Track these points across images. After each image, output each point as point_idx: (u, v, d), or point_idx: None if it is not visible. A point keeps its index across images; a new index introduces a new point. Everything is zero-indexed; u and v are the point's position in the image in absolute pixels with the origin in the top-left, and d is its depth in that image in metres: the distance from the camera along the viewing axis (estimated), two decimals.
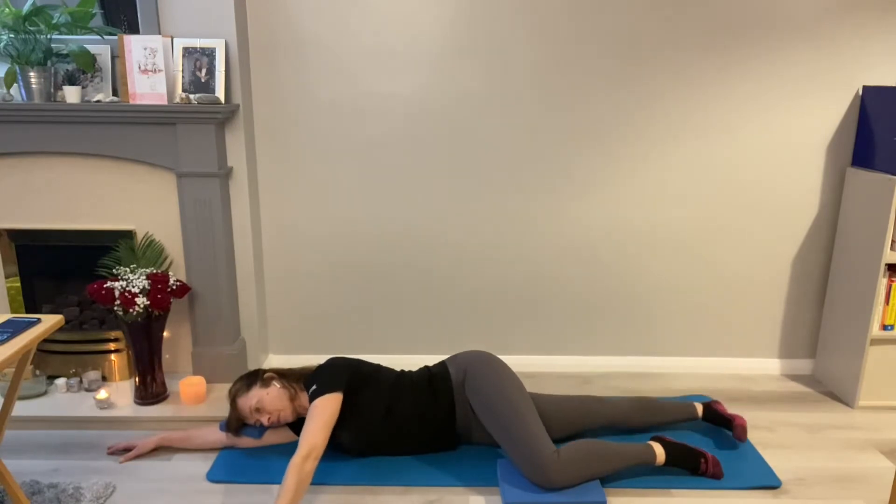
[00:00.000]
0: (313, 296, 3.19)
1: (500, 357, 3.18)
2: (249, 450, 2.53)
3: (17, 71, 2.64)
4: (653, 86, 2.93)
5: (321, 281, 3.17)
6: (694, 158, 3.01)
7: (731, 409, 2.88)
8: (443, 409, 2.43)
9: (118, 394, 2.85)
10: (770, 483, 2.34)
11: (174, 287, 2.74)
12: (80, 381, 2.89)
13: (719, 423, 2.60)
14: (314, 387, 2.35)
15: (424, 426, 2.43)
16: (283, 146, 3.01)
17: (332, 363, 2.46)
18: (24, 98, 2.68)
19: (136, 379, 2.77)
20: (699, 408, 2.65)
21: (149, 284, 2.65)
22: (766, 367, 3.25)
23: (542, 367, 3.26)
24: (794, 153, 3.00)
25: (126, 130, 2.74)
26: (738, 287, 3.16)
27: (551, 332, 3.23)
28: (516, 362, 3.24)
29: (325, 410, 2.27)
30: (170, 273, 2.83)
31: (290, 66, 2.92)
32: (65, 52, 2.71)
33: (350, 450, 2.48)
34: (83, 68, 2.70)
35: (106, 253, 2.83)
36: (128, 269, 2.73)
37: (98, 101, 2.69)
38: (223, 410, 2.70)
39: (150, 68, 2.67)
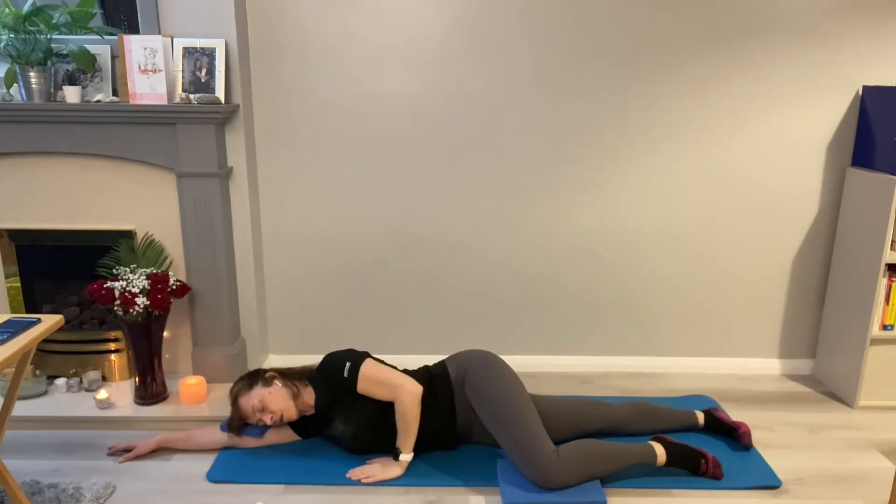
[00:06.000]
0: (313, 296, 3.19)
1: (500, 357, 3.17)
2: (249, 450, 2.53)
3: (17, 71, 2.64)
4: (653, 86, 2.94)
5: (321, 281, 3.17)
6: (694, 158, 3.01)
7: (731, 409, 2.88)
8: (443, 408, 2.43)
9: (118, 394, 2.85)
10: (770, 483, 2.34)
11: (174, 287, 2.74)
12: (80, 381, 2.89)
13: (723, 431, 2.60)
14: (348, 364, 2.38)
15: (424, 426, 2.43)
16: (283, 146, 3.01)
17: (342, 351, 2.48)
18: (24, 98, 2.68)
19: (136, 379, 2.77)
20: (700, 417, 2.64)
21: (149, 284, 2.65)
22: (766, 367, 3.25)
23: (542, 367, 3.26)
24: (794, 153, 3.00)
25: (126, 130, 2.74)
26: (738, 287, 3.16)
27: (551, 332, 3.23)
28: (516, 362, 3.25)
29: (379, 370, 2.38)
30: (170, 273, 2.83)
31: (290, 66, 2.92)
32: (65, 52, 2.71)
33: (350, 448, 2.48)
34: (83, 68, 2.70)
35: (106, 253, 2.83)
36: (128, 269, 2.73)
37: (98, 101, 2.69)
38: (223, 410, 2.70)
39: (150, 68, 2.67)
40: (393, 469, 2.36)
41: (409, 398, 2.33)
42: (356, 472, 2.36)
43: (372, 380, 2.36)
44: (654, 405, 2.62)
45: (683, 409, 2.66)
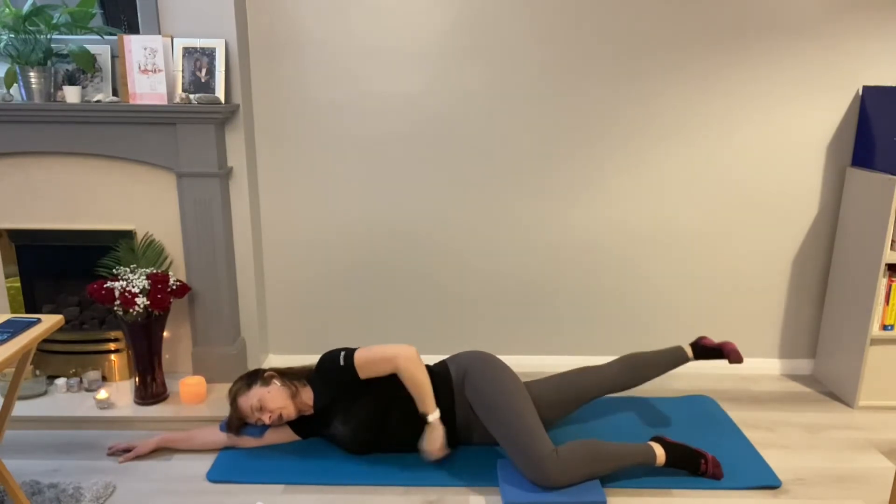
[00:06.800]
0: (313, 296, 3.19)
1: (500, 357, 3.18)
2: (249, 450, 2.53)
3: (17, 71, 2.64)
4: (653, 86, 2.94)
5: (321, 281, 3.17)
6: (694, 158, 3.01)
7: (730, 409, 2.88)
8: (443, 408, 2.43)
9: (118, 394, 2.85)
10: (770, 483, 2.34)
11: (174, 287, 2.74)
12: (80, 381, 2.89)
13: (712, 356, 2.66)
14: (342, 353, 2.40)
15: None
16: (283, 146, 3.01)
17: (338, 349, 2.48)
18: (24, 98, 2.68)
19: (136, 379, 2.77)
20: (689, 350, 2.68)
21: (149, 284, 2.65)
22: (766, 367, 3.25)
23: (542, 367, 3.26)
24: (794, 153, 3.00)
25: (126, 130, 2.74)
26: (738, 287, 3.16)
27: (551, 332, 3.23)
28: (516, 362, 3.25)
29: (371, 349, 2.39)
30: (170, 273, 2.83)
31: (290, 66, 2.92)
32: (65, 52, 2.71)
33: (350, 448, 2.48)
34: (83, 68, 2.70)
35: (106, 253, 2.83)
36: (128, 269, 2.73)
37: (98, 101, 2.69)
38: (223, 410, 2.70)
39: (150, 68, 2.67)
40: (435, 435, 2.35)
41: (406, 362, 2.34)
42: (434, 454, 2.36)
43: (368, 360, 2.37)
44: (640, 353, 2.66)
45: (670, 347, 2.70)
